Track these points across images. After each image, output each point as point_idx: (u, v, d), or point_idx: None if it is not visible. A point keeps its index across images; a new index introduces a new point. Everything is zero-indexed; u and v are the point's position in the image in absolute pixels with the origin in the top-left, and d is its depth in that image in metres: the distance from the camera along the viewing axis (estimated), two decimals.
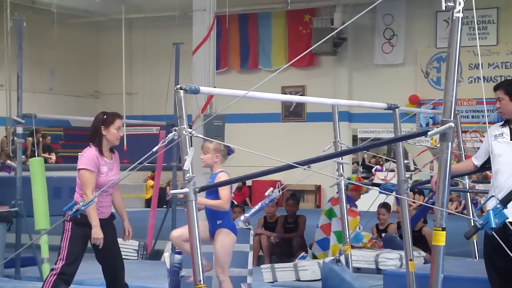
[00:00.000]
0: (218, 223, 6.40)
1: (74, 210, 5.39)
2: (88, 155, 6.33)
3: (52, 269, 6.35)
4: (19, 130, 9.66)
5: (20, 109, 9.53)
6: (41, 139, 18.38)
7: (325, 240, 10.07)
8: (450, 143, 4.20)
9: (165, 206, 12.74)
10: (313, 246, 10.32)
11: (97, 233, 6.22)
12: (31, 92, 19.19)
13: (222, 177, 6.42)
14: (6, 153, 19.29)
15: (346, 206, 9.60)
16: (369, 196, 11.11)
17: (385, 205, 10.74)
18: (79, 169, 6.32)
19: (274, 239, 10.86)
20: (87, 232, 6.29)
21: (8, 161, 17.34)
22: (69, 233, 6.32)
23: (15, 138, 9.85)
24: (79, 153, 6.56)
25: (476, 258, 9.08)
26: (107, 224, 6.39)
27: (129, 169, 5.72)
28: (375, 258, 9.52)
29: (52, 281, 6.25)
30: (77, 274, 8.68)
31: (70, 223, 6.31)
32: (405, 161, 7.04)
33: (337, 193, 8.81)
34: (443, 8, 4.12)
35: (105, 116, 6.43)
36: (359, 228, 10.23)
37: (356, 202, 10.68)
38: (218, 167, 6.55)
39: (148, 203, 22.09)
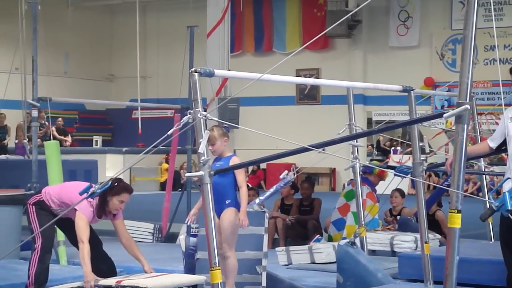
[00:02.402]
0: (227, 202, 6.51)
1: (90, 192, 5.43)
2: (86, 210, 6.44)
3: (34, 249, 6.59)
4: (34, 113, 9.69)
5: (35, 92, 9.55)
6: (45, 122, 18.39)
7: (341, 220, 10.07)
8: (465, 125, 4.18)
9: (179, 189, 12.78)
10: (329, 227, 10.33)
11: (87, 277, 6.25)
12: (46, 76, 19.22)
13: (236, 160, 6.52)
14: (22, 133, 19.34)
15: (365, 189, 9.62)
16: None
17: (399, 190, 10.69)
18: (79, 214, 6.42)
19: (290, 219, 10.87)
20: (50, 214, 6.54)
21: (24, 141, 17.39)
22: (35, 212, 6.62)
23: (31, 123, 9.87)
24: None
25: (491, 240, 9.07)
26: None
27: (143, 152, 5.73)
28: (390, 240, 9.51)
29: (37, 258, 6.56)
30: None
31: (34, 207, 6.63)
32: (420, 144, 7.02)
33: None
34: None
35: (115, 184, 6.44)
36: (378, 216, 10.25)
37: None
38: (229, 149, 6.65)
39: (163, 186, 22.15)
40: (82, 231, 6.33)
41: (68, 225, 6.58)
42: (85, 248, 6.29)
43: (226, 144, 6.61)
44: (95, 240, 6.73)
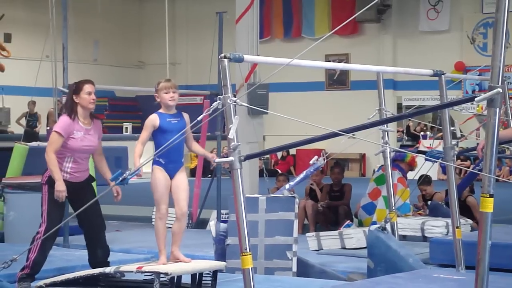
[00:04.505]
0: (182, 161, 6.46)
1: (120, 179, 5.46)
2: (63, 120, 6.66)
3: (37, 232, 6.55)
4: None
5: (65, 80, 9.61)
6: None
7: (371, 204, 10.05)
8: (497, 109, 4.15)
9: (209, 176, 12.80)
10: (359, 212, 10.32)
11: (58, 186, 6.46)
12: (76, 63, 19.33)
13: (188, 116, 6.39)
14: (53, 120, 19.46)
15: (396, 174, 9.58)
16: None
17: (424, 181, 10.47)
18: (52, 131, 6.66)
19: (322, 205, 10.87)
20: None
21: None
22: (47, 195, 6.60)
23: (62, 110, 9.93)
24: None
25: None
26: (83, 186, 6.65)
27: (173, 138, 5.76)
28: (421, 225, 9.47)
29: (39, 245, 6.51)
30: (123, 243, 8.79)
31: (47, 186, 6.61)
32: (452, 128, 6.98)
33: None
34: None
35: (75, 85, 6.72)
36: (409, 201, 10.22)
37: None
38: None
39: (192, 172, 22.20)
40: (49, 144, 6.57)
41: (80, 199, 6.56)
42: (51, 158, 6.48)
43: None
44: (98, 224, 6.81)
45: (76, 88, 6.69)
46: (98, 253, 6.79)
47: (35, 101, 20.83)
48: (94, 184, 6.98)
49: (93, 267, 6.65)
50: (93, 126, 6.75)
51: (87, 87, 6.67)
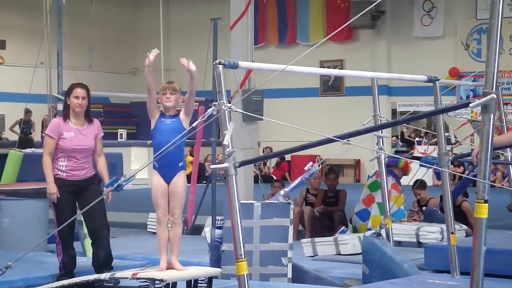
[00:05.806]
0: (180, 165, 6.27)
1: (115, 185, 5.44)
2: (52, 122, 6.95)
3: (55, 238, 6.83)
4: (60, 107, 9.74)
5: (60, 86, 9.61)
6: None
7: (365, 211, 10.06)
8: (492, 115, 4.15)
9: (204, 182, 12.80)
10: (353, 219, 10.32)
11: (50, 189, 6.70)
12: (71, 69, 19.23)
13: (183, 116, 6.22)
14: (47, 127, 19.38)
15: (390, 180, 9.59)
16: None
17: (419, 185, 10.48)
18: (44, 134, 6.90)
19: (318, 211, 10.87)
20: (66, 193, 6.73)
21: None
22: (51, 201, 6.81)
23: (57, 116, 9.94)
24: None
25: None
26: (87, 185, 6.81)
27: (168, 145, 5.76)
28: (416, 231, 9.47)
29: (61, 248, 6.87)
30: (118, 250, 8.75)
31: None
32: (446, 134, 6.99)
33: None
34: None
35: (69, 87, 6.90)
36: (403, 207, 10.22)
37: None
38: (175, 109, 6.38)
39: (188, 178, 22.19)
40: (43, 148, 6.83)
41: (84, 198, 6.72)
42: (44, 161, 6.72)
43: (179, 104, 6.35)
44: (102, 225, 6.91)
45: (68, 90, 6.86)
46: (101, 255, 6.87)
47: (32, 112, 20.80)
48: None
49: (97, 270, 6.76)
50: (88, 126, 6.88)
51: (76, 91, 6.80)
